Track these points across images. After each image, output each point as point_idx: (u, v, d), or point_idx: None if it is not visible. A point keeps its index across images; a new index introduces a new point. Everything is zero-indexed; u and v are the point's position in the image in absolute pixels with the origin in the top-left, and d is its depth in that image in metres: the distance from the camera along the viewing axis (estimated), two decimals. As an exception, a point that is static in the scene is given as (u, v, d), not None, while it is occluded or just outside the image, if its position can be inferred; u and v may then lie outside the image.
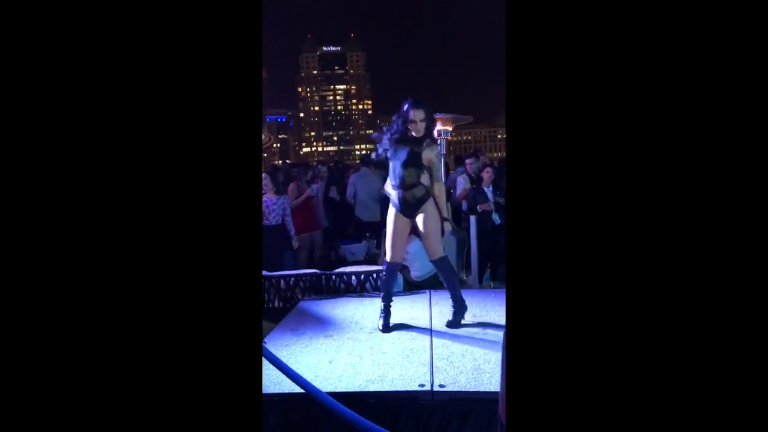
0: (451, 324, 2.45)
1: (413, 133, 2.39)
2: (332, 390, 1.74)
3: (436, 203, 2.50)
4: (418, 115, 2.36)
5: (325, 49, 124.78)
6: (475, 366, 1.97)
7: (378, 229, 4.39)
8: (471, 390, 1.77)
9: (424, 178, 2.47)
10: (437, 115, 2.71)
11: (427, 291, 3.16)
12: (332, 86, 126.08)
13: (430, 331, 2.41)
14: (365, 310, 2.79)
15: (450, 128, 3.53)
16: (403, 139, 2.42)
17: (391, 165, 2.48)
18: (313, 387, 1.59)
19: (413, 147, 2.41)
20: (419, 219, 2.46)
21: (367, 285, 3.23)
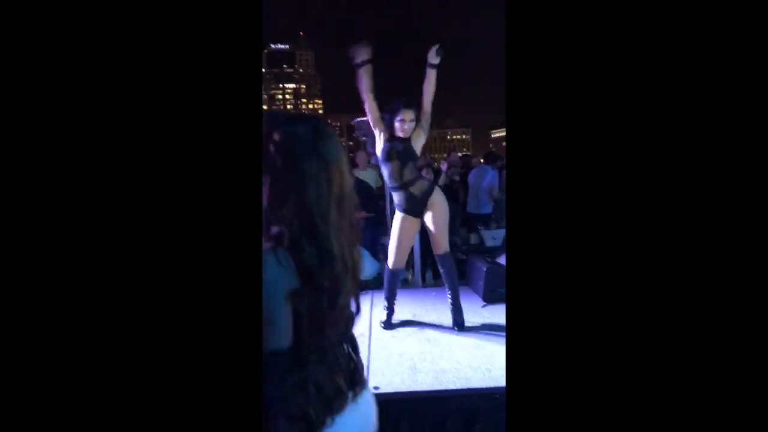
0: (461, 325, 2.40)
1: (400, 133, 2.34)
2: (263, 399, 1.68)
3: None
4: (408, 115, 2.32)
5: (272, 47, 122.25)
6: (411, 366, 1.98)
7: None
8: (405, 390, 1.78)
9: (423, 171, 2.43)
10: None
11: (370, 292, 3.14)
12: (281, 85, 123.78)
13: (369, 333, 2.40)
14: (305, 314, 2.74)
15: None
16: (389, 139, 2.36)
17: (384, 168, 2.40)
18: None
19: (403, 143, 2.35)
20: (428, 217, 2.40)
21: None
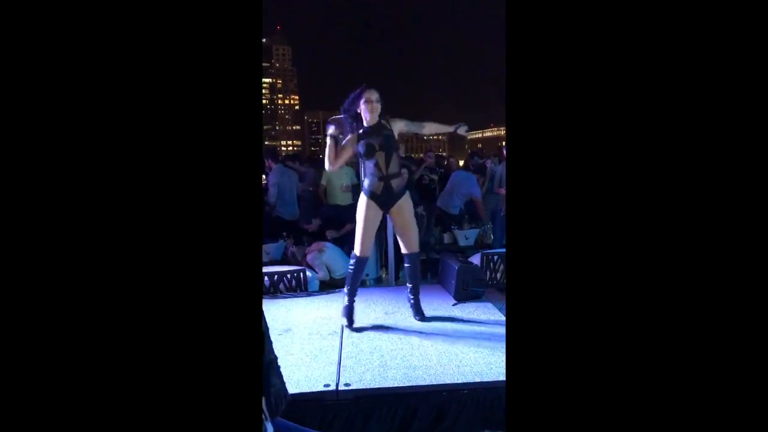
0: (422, 315, 2.50)
1: (368, 116, 2.34)
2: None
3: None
4: (372, 94, 2.33)
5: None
6: (381, 363, 1.99)
7: (297, 227, 4.30)
8: (375, 387, 1.80)
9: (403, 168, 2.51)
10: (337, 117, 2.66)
11: (342, 290, 3.14)
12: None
13: (341, 330, 2.41)
14: (276, 312, 2.72)
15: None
16: (366, 133, 2.36)
17: (368, 163, 2.39)
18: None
19: (383, 132, 2.35)
20: (396, 211, 2.44)
21: (281, 286, 3.15)
